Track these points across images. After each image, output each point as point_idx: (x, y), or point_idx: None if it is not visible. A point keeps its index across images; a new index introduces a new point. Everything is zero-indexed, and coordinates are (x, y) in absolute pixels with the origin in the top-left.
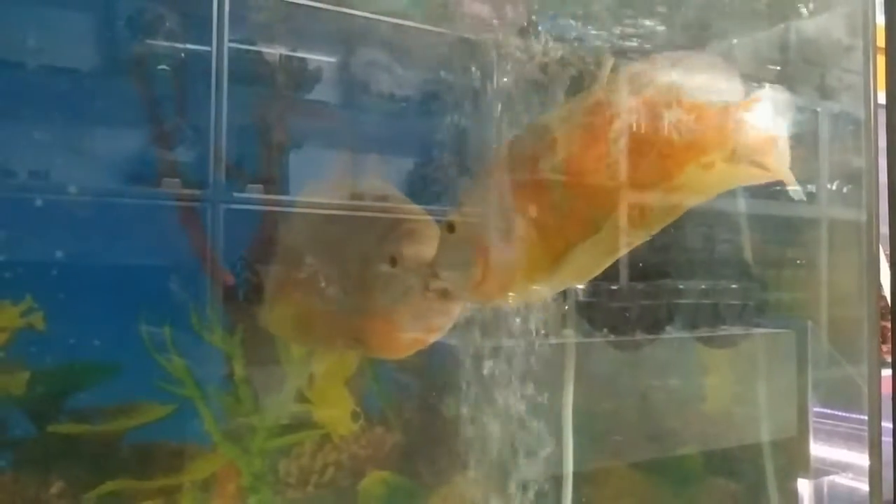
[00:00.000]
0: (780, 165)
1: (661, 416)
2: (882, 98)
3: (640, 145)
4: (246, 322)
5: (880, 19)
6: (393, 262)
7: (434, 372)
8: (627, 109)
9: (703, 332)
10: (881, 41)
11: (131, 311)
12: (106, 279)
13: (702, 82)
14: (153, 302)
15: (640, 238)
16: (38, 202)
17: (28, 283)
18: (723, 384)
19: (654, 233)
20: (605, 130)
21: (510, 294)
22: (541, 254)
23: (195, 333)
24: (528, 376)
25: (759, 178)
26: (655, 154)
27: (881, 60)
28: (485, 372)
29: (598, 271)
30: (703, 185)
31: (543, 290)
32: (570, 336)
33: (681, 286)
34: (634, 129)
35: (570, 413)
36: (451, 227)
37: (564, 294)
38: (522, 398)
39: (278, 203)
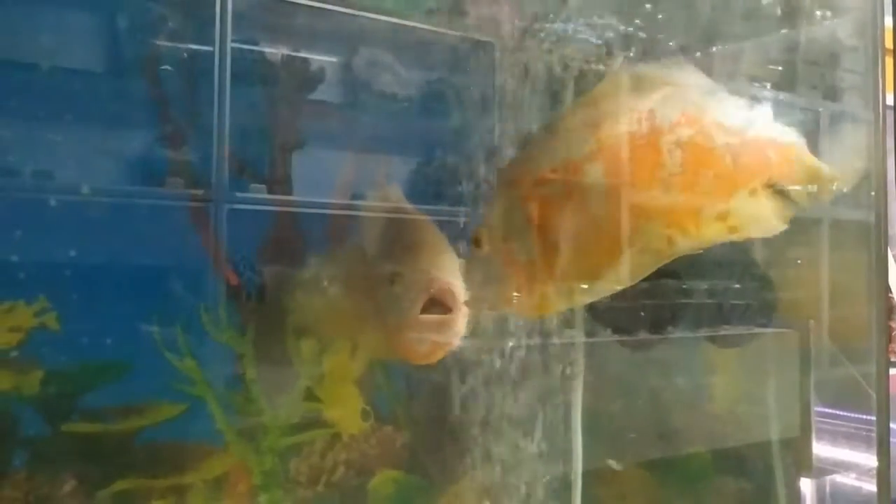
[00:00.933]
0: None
1: (666, 415)
2: (891, 99)
3: (698, 164)
4: (256, 321)
5: (889, 21)
6: (392, 280)
7: (444, 371)
8: (678, 123)
9: (708, 331)
10: (890, 43)
11: (143, 311)
12: (118, 279)
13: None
14: (165, 302)
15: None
16: (52, 202)
17: (41, 284)
18: (729, 383)
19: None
20: (657, 143)
21: (552, 305)
22: (580, 265)
23: (206, 333)
24: (537, 376)
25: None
26: (713, 175)
27: (890, 62)
28: (494, 371)
29: (641, 276)
30: (747, 213)
31: (586, 297)
32: (578, 336)
33: (685, 286)
34: (691, 145)
35: (580, 412)
36: (477, 242)
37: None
38: (531, 398)
39: (281, 203)
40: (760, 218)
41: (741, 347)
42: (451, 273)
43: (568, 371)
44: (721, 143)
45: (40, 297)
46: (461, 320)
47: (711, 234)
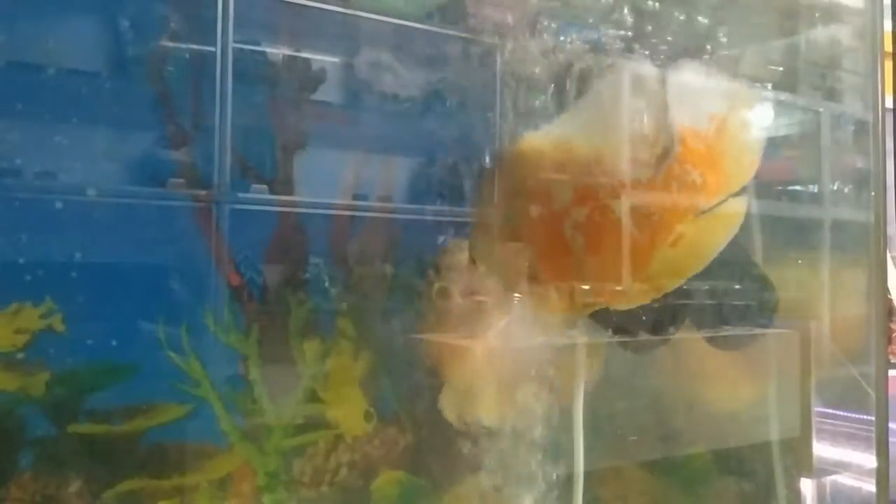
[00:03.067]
0: None
1: (667, 416)
2: (889, 102)
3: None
4: (261, 322)
5: (888, 25)
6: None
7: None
8: None
9: (709, 332)
10: (889, 46)
11: (148, 312)
12: (122, 280)
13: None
14: (169, 303)
15: None
16: (57, 204)
17: (47, 285)
18: (730, 384)
19: None
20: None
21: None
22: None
23: (211, 334)
24: (540, 376)
25: None
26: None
27: (889, 65)
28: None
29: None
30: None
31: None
32: (579, 336)
33: (685, 287)
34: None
35: (581, 412)
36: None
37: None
38: (533, 398)
39: (284, 204)
40: None
41: (741, 350)
42: None
43: (570, 371)
44: None
45: (46, 298)
46: None
47: None
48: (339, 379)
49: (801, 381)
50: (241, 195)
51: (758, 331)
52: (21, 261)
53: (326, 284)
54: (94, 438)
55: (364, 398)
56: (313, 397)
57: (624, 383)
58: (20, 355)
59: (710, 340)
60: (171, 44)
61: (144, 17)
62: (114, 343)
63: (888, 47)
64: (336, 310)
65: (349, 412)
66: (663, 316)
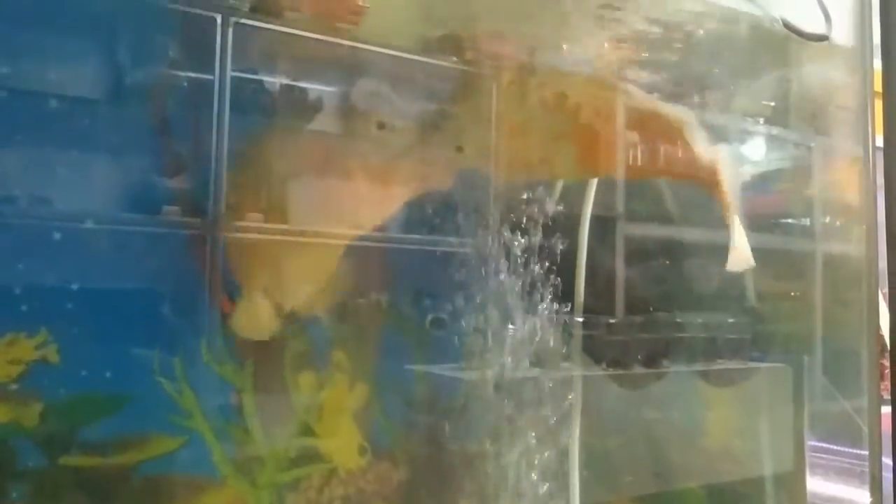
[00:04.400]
0: None
1: (661, 451)
2: (880, 141)
3: None
4: (255, 353)
5: (877, 64)
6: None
7: (441, 406)
8: None
9: (701, 365)
10: (878, 85)
11: (142, 342)
12: (117, 309)
13: None
14: (164, 332)
15: None
16: (55, 234)
17: (42, 315)
18: (723, 419)
19: None
20: None
21: None
22: None
23: (206, 365)
24: (534, 411)
25: None
26: None
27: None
28: (492, 406)
29: None
30: None
31: None
32: (572, 369)
33: (678, 319)
34: None
35: (577, 447)
36: None
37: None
38: (528, 432)
39: (278, 232)
40: None
41: (735, 386)
42: None
43: (565, 405)
44: None
45: (42, 329)
46: None
47: None
48: (333, 412)
49: (794, 416)
50: (236, 223)
51: (751, 364)
52: (17, 291)
53: (322, 315)
54: (87, 471)
55: (358, 432)
56: (307, 430)
57: (617, 418)
58: (14, 386)
59: (704, 377)
60: (169, 71)
61: (143, 46)
62: (108, 374)
63: (877, 86)
64: (331, 342)
65: (343, 446)
66: (657, 349)
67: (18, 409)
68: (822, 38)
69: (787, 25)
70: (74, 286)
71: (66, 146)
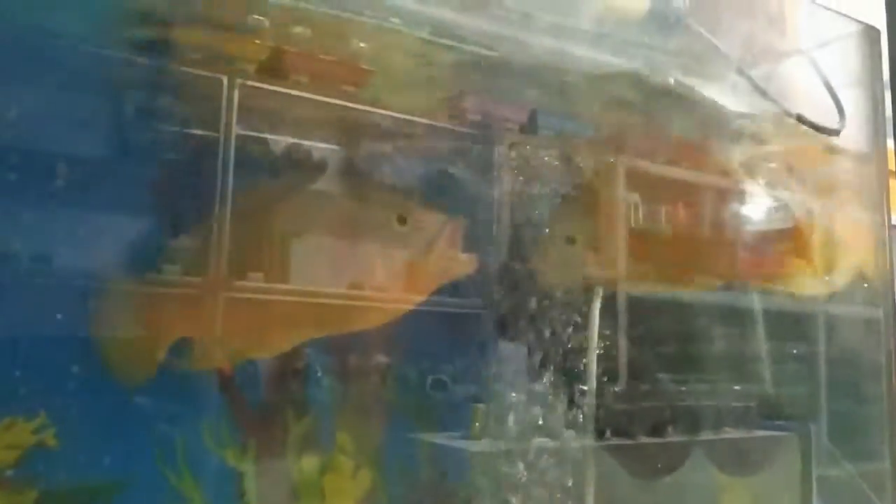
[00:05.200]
0: None
1: None
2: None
3: None
4: (258, 437)
5: (891, 144)
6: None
7: (445, 490)
8: None
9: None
10: (892, 164)
11: (142, 425)
12: (114, 390)
13: None
14: (164, 415)
15: None
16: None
17: (41, 398)
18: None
19: None
20: None
21: None
22: None
23: (207, 449)
24: (543, 484)
25: None
26: None
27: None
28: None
29: None
30: None
31: None
32: (579, 440)
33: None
34: None
35: None
36: None
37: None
38: None
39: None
40: None
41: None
42: None
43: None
44: None
45: (40, 412)
46: None
47: None
48: (336, 498)
49: (801, 484)
50: (237, 283)
51: (758, 433)
52: (17, 374)
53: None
54: None
55: None
56: None
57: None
58: (10, 472)
59: (720, 467)
60: (173, 129)
61: (147, 103)
62: (106, 460)
63: (892, 165)
64: (335, 424)
65: None
66: (662, 417)
67: (13, 496)
68: (836, 133)
69: (802, 120)
70: (75, 370)
71: (68, 204)
